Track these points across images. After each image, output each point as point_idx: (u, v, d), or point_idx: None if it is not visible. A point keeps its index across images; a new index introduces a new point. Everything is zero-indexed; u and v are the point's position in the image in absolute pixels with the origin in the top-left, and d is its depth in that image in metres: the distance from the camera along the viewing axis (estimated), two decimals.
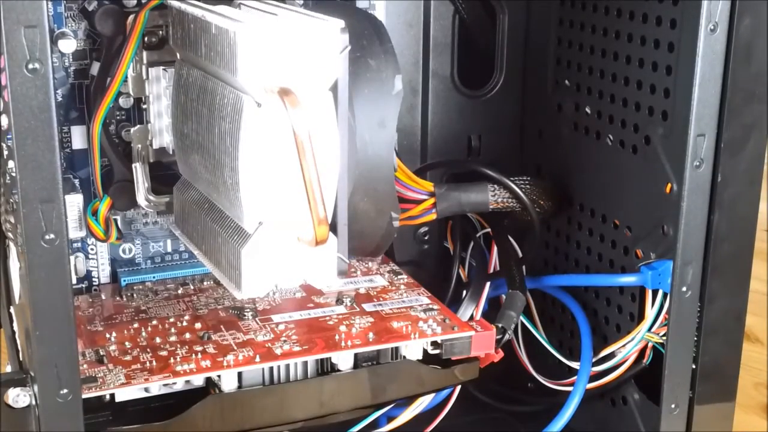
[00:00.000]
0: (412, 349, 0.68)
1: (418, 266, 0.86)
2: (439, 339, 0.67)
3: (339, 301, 0.72)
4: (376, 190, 0.68)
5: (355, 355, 0.66)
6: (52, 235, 0.53)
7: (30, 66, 0.51)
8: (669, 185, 0.69)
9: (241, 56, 0.57)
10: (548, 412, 0.77)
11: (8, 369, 0.70)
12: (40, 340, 0.53)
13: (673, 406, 0.70)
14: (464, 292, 0.79)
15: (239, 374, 0.63)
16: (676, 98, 0.68)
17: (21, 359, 0.61)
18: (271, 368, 0.64)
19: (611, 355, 0.76)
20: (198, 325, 0.68)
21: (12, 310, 0.67)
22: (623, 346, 0.74)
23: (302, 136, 0.56)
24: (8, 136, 0.54)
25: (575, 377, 0.77)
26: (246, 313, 0.70)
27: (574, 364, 0.78)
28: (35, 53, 0.51)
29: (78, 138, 0.73)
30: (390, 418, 0.74)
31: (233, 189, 0.60)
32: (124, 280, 0.76)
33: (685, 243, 0.67)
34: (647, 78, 0.71)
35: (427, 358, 0.68)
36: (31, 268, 0.53)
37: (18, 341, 0.62)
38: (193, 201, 0.69)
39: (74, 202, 0.71)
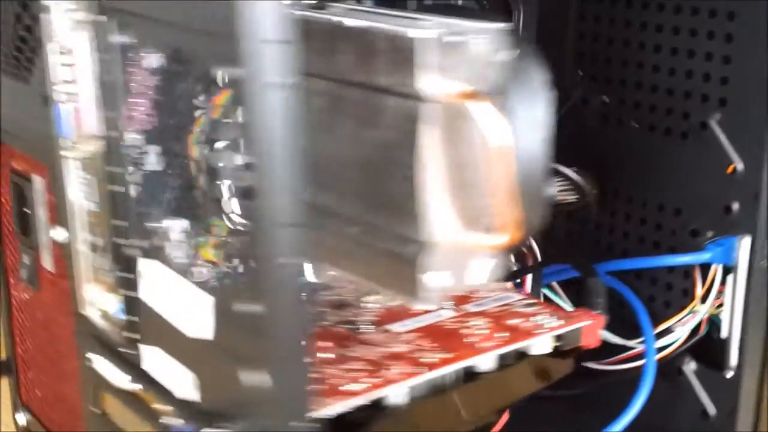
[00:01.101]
0: (540, 344, 0.68)
1: None
2: (561, 332, 0.69)
3: None
4: (530, 189, 0.67)
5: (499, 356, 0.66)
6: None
7: (276, 81, 0.47)
8: (732, 166, 0.74)
9: (419, 62, 0.56)
10: (588, 396, 0.80)
11: None
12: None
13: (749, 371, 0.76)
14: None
15: (410, 388, 0.61)
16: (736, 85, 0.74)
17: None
18: (430, 379, 0.63)
19: (668, 330, 0.80)
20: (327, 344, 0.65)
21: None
22: (680, 320, 0.79)
23: (489, 141, 0.56)
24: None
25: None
26: (360, 326, 0.68)
27: (630, 342, 0.81)
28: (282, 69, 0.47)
29: None
30: None
31: (406, 199, 0.58)
32: None
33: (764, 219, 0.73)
34: (700, 67, 0.76)
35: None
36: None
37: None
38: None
39: None
